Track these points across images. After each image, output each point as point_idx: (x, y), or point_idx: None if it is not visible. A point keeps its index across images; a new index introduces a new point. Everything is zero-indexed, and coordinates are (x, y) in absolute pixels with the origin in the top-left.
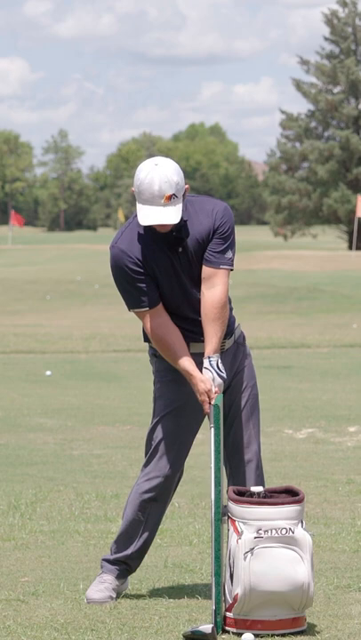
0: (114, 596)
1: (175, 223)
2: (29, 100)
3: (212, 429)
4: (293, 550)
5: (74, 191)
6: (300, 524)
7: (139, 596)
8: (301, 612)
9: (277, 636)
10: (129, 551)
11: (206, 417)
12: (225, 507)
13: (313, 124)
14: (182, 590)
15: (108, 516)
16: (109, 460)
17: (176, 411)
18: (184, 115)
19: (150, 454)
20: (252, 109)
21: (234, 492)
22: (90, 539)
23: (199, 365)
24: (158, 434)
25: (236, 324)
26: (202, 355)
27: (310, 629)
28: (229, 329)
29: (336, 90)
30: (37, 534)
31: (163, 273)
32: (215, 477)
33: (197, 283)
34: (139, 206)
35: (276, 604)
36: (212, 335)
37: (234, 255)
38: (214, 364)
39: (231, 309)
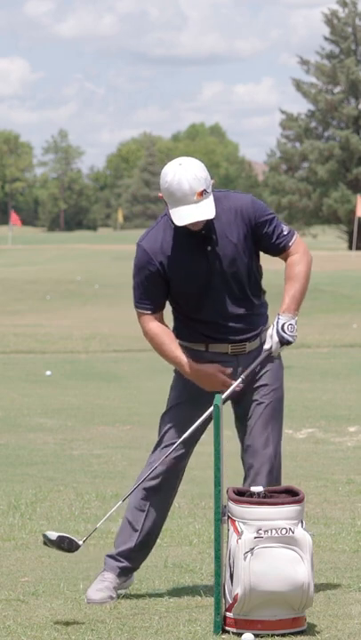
0: (114, 595)
1: (212, 217)
2: (30, 99)
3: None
4: (293, 550)
5: (74, 191)
6: (300, 524)
7: (139, 596)
8: (301, 612)
9: (277, 636)
10: (132, 544)
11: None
12: (225, 507)
13: (313, 124)
14: (182, 590)
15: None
16: (109, 460)
17: (186, 402)
18: (184, 115)
19: (157, 443)
20: (252, 109)
21: (234, 491)
22: (90, 539)
23: (221, 364)
24: (166, 424)
25: (266, 326)
26: (221, 354)
27: (310, 629)
28: (255, 331)
29: (336, 90)
30: (37, 534)
31: (188, 275)
32: (215, 477)
33: (227, 283)
34: (172, 210)
35: (276, 604)
36: (287, 293)
37: (288, 227)
38: (280, 322)
39: (265, 307)
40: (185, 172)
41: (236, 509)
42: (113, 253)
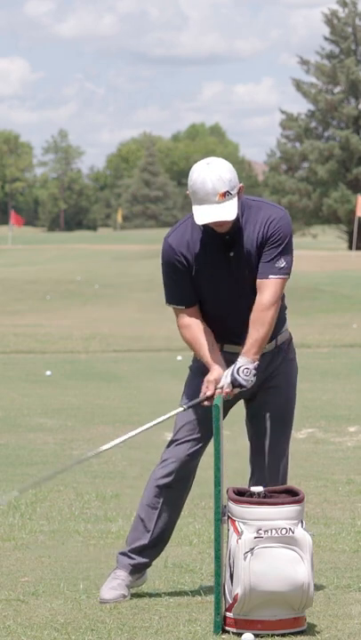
0: (127, 594)
1: (232, 219)
2: (30, 99)
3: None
4: (293, 550)
5: (74, 191)
6: (300, 524)
7: (139, 596)
8: (301, 611)
9: (277, 636)
10: (145, 541)
11: (224, 414)
12: (225, 507)
13: (313, 124)
14: (182, 590)
15: (108, 516)
16: (109, 460)
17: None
18: (185, 115)
19: (170, 441)
20: (252, 109)
21: (234, 491)
22: (90, 539)
23: (229, 363)
24: (180, 421)
25: (283, 329)
26: (235, 354)
27: (310, 629)
28: (273, 333)
29: (336, 90)
30: (37, 534)
31: (210, 275)
32: (215, 477)
33: (246, 290)
34: (195, 207)
35: (276, 604)
36: (250, 337)
37: (289, 264)
38: (238, 365)
39: (284, 309)
40: (210, 173)
41: (236, 509)
42: (113, 253)
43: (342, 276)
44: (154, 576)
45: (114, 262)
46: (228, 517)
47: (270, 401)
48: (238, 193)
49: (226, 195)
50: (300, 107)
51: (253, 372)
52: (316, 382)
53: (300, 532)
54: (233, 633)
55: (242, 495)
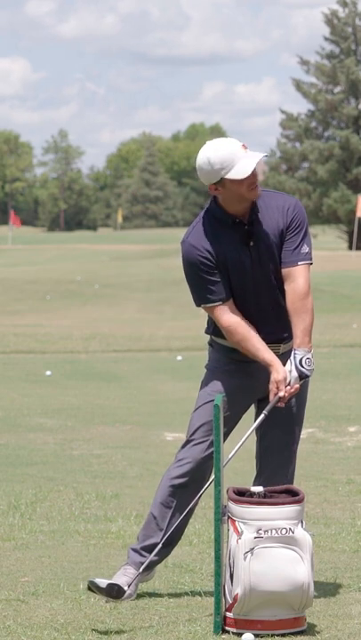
0: (133, 592)
1: (264, 155)
2: (31, 99)
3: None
4: (293, 550)
5: (74, 191)
6: (300, 524)
7: (139, 596)
8: (301, 612)
9: (277, 636)
10: (157, 539)
11: (253, 415)
12: (225, 507)
13: (313, 124)
14: (182, 590)
15: (108, 516)
16: (109, 460)
17: (208, 399)
18: (185, 115)
19: (186, 440)
20: (253, 109)
21: (234, 491)
22: (90, 539)
23: (252, 364)
24: (196, 421)
25: (289, 338)
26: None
27: (310, 629)
28: (290, 333)
29: (336, 90)
30: (37, 534)
31: (232, 268)
32: (215, 477)
33: (268, 280)
34: (233, 172)
35: (276, 604)
36: (297, 328)
37: (311, 249)
38: (298, 357)
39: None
40: (219, 142)
41: (236, 509)
42: (113, 253)
43: (342, 276)
44: (154, 576)
45: (114, 262)
46: (228, 517)
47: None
48: None
49: (244, 146)
50: (301, 107)
51: (311, 359)
52: (316, 382)
53: (300, 532)
54: (233, 633)
55: (242, 495)
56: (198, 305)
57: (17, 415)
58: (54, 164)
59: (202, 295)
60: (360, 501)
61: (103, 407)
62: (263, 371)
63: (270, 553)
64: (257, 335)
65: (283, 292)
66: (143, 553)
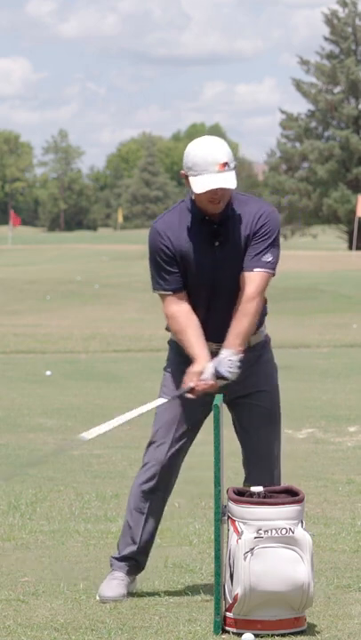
0: (125, 592)
1: (233, 188)
2: (32, 99)
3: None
4: (293, 550)
5: (74, 191)
6: (300, 524)
7: (139, 596)
8: (301, 612)
9: (277, 636)
10: (135, 547)
11: (210, 414)
12: (225, 507)
13: (313, 124)
14: (182, 590)
15: (108, 516)
16: (109, 460)
17: (175, 401)
18: (186, 115)
19: (148, 444)
20: (254, 109)
21: (234, 491)
22: (90, 539)
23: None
24: (157, 423)
25: (259, 331)
26: (215, 354)
27: (310, 629)
28: None
29: (336, 90)
30: (37, 534)
31: (195, 264)
32: (215, 477)
33: (228, 283)
34: (193, 179)
35: (276, 604)
36: (233, 329)
37: (275, 259)
38: (221, 356)
39: (264, 314)
40: (209, 144)
41: (236, 509)
42: (113, 253)
43: (342, 276)
44: (154, 576)
45: (114, 262)
46: (228, 517)
47: (255, 403)
48: (234, 168)
49: (225, 165)
50: (301, 107)
51: (237, 364)
52: (316, 382)
53: (300, 532)
54: (233, 633)
55: (242, 495)
56: (153, 290)
57: (17, 415)
58: (54, 164)
59: (156, 281)
60: (360, 501)
61: (103, 407)
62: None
63: (270, 553)
64: (199, 331)
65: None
66: (125, 561)
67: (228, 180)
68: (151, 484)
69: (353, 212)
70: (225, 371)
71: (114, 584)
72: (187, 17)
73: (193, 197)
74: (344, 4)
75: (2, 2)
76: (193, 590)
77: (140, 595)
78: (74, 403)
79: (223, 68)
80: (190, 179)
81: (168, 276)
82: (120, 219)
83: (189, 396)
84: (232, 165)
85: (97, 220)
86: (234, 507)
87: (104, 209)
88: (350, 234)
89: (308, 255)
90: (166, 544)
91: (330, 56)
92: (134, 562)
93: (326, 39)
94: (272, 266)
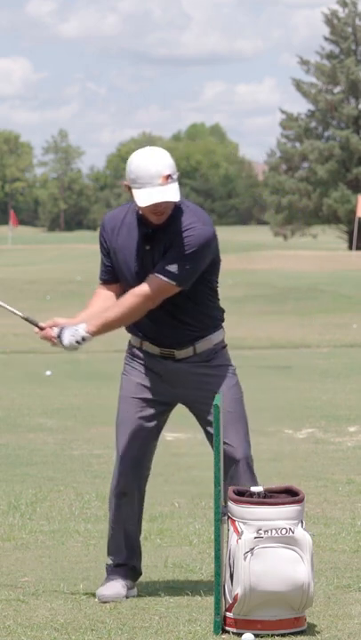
0: (124, 593)
1: (175, 201)
2: (32, 99)
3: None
4: (293, 550)
5: (74, 191)
6: (300, 524)
7: (139, 596)
8: (301, 612)
9: (277, 636)
10: (123, 554)
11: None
12: (225, 507)
13: (313, 124)
14: (182, 590)
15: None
16: (109, 460)
17: (124, 403)
18: (186, 115)
19: (116, 451)
20: (254, 109)
21: (234, 491)
22: (90, 539)
23: (156, 365)
24: (117, 435)
25: (206, 338)
26: (152, 355)
27: (310, 629)
28: (184, 339)
29: (336, 90)
30: (37, 534)
31: (124, 263)
32: (215, 477)
33: None
34: (136, 192)
35: (276, 604)
36: (103, 311)
37: (181, 273)
38: (74, 326)
39: (209, 319)
40: (152, 157)
41: (236, 509)
42: None
43: (342, 276)
44: (154, 576)
45: None
46: (228, 517)
47: (211, 404)
48: (178, 179)
49: (168, 178)
50: (301, 107)
51: (79, 338)
52: (316, 382)
53: (300, 532)
54: (233, 633)
55: (242, 495)
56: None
57: (17, 415)
58: (54, 164)
59: (100, 268)
60: (360, 501)
61: (103, 407)
62: (174, 373)
63: (270, 553)
64: (97, 308)
65: (179, 305)
66: (118, 567)
67: (171, 194)
68: (119, 488)
69: (353, 212)
70: (65, 336)
71: (112, 584)
72: (187, 17)
73: (136, 209)
74: (344, 4)
75: (2, 2)
76: (193, 590)
77: (140, 595)
78: (74, 403)
79: (223, 68)
80: (133, 191)
81: (102, 267)
82: None
83: (35, 330)
84: (175, 177)
85: (97, 219)
86: (234, 507)
87: (104, 209)
88: (350, 234)
89: (308, 255)
90: (166, 544)
91: (330, 56)
92: (127, 567)
93: (326, 39)
94: (174, 277)
